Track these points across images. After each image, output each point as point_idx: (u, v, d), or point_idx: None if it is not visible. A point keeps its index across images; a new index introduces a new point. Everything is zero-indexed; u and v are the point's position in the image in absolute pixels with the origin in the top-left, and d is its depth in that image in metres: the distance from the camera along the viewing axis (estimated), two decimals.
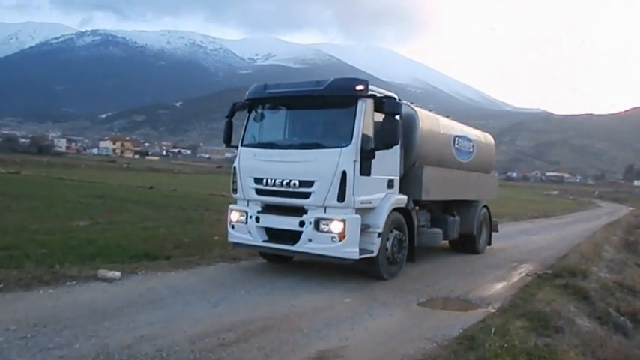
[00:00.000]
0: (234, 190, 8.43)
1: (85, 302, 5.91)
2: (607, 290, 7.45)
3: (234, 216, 8.43)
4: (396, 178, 8.43)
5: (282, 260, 8.99)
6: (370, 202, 7.74)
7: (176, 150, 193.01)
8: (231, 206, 8.59)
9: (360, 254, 7.40)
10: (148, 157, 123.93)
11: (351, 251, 7.32)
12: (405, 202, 8.53)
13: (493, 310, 6.49)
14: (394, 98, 7.60)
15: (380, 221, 7.81)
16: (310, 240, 7.46)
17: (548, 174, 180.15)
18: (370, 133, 7.64)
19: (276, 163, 7.85)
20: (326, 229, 7.36)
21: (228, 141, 8.91)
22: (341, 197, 7.27)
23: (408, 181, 8.91)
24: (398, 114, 7.50)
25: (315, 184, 7.44)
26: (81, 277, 7.02)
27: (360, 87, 7.48)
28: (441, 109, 12.17)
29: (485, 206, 12.29)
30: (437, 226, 10.03)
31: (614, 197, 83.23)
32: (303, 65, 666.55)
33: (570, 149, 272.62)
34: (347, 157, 7.32)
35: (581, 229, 22.79)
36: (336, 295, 6.99)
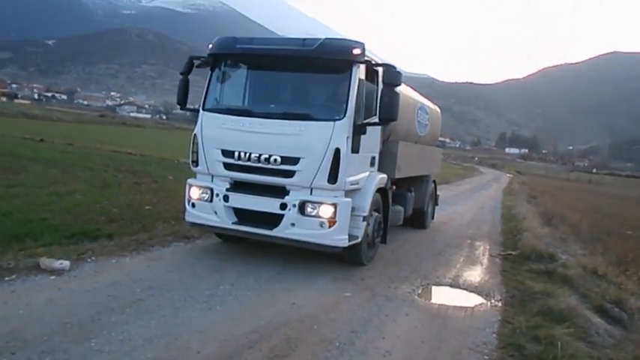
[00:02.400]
0: (195, 162, 7.14)
1: (43, 307, 4.60)
2: (584, 276, 7.60)
3: (194, 192, 7.17)
4: (377, 155, 7.74)
5: (239, 240, 7.86)
6: (357, 183, 6.96)
7: (49, 94, 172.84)
8: (190, 181, 7.30)
9: (348, 241, 6.69)
10: (17, 101, 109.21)
11: (340, 238, 6.54)
12: (385, 181, 7.91)
13: (499, 304, 6.22)
14: (393, 67, 6.69)
15: (365, 204, 7.10)
16: (293, 225, 6.51)
17: None
18: (361, 104, 6.80)
19: (252, 135, 6.62)
20: (313, 214, 6.46)
21: (183, 102, 7.54)
22: (332, 178, 6.38)
23: (381, 157, 8.21)
24: (398, 85, 6.65)
25: (302, 161, 6.44)
26: (19, 268, 5.56)
27: (356, 51, 6.50)
28: None
29: (434, 180, 12.18)
30: (397, 204, 9.57)
31: (491, 163, 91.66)
32: (192, 10, 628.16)
33: (451, 115, 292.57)
34: (340, 132, 6.40)
35: (486, 198, 24.37)
36: (331, 288, 6.25)
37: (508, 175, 61.68)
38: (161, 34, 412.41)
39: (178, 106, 7.68)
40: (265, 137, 6.58)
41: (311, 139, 6.44)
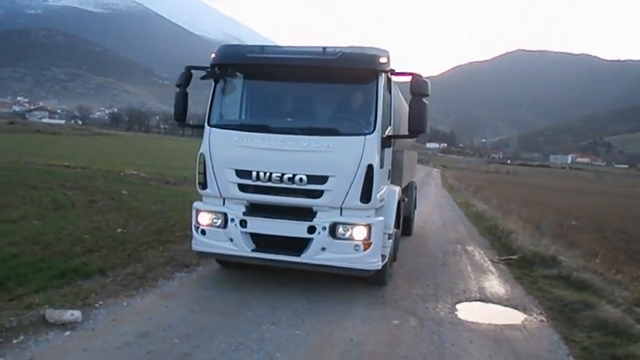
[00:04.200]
0: (202, 185, 6.38)
1: None
2: (599, 281, 7.69)
3: (203, 218, 6.39)
4: (390, 167, 7.38)
5: (240, 265, 7.10)
6: (383, 200, 6.56)
7: None
8: (197, 205, 6.51)
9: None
10: None
11: (374, 261, 6.09)
12: (401, 194, 7.57)
13: (544, 319, 6.07)
14: (420, 76, 6.27)
15: (391, 221, 6.72)
16: (324, 249, 5.94)
17: None
18: (387, 115, 6.41)
19: (272, 152, 5.97)
20: (346, 236, 5.94)
21: (182, 117, 6.75)
22: (365, 197, 5.89)
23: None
24: (427, 95, 6.26)
25: (331, 179, 5.89)
26: (24, 325, 4.63)
27: (383, 59, 6.08)
28: None
29: (415, 186, 12.05)
30: None
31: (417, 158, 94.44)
32: (105, 10, 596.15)
33: None
34: (371, 147, 5.94)
35: (435, 195, 24.92)
36: (375, 316, 5.78)
37: (435, 169, 64.22)
38: (70, 34, 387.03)
39: (177, 122, 6.86)
40: (288, 155, 5.97)
41: (341, 156, 5.93)
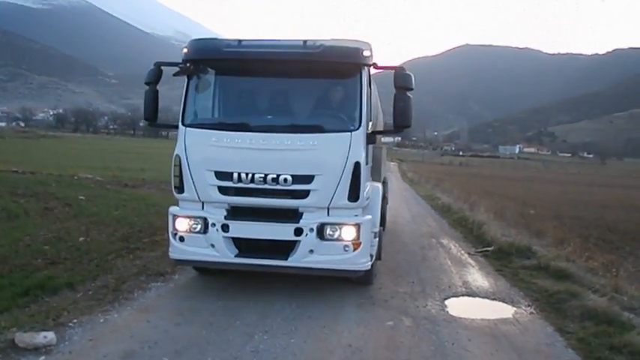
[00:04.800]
0: (179, 188, 5.99)
1: None
2: (578, 269, 7.80)
3: (181, 224, 6.02)
4: (371, 164, 7.22)
5: (218, 271, 6.82)
6: (368, 198, 6.39)
7: None
8: (173, 210, 6.11)
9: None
10: None
11: (364, 261, 5.93)
12: (383, 191, 7.43)
13: (533, 311, 6.08)
14: (403, 69, 6.06)
15: (377, 219, 6.57)
16: (312, 252, 5.72)
17: None
18: (370, 111, 6.23)
19: (254, 152, 5.68)
20: (335, 237, 5.74)
21: (153, 116, 6.30)
22: (353, 195, 5.70)
23: None
24: (411, 89, 6.02)
25: (317, 179, 5.66)
26: None
27: (367, 53, 5.88)
28: None
29: (386, 181, 11.97)
30: None
31: None
32: (45, 5, 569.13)
33: None
34: (358, 144, 5.74)
35: (398, 189, 25.14)
36: (368, 318, 5.60)
37: (392, 163, 64.97)
38: (8, 31, 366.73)
39: (146, 122, 6.41)
40: (271, 154, 5.69)
41: (327, 154, 5.70)
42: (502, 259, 8.66)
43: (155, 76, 6.17)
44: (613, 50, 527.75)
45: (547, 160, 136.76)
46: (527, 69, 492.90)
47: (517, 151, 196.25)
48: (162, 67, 6.24)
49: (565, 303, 6.14)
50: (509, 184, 42.19)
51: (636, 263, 9.99)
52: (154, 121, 6.35)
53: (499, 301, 6.51)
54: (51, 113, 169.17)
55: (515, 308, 6.19)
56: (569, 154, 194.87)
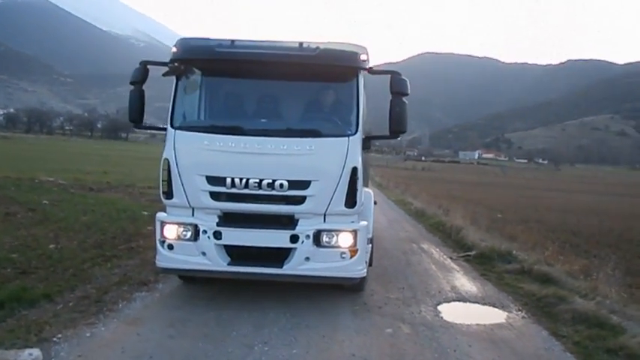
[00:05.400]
0: (167, 194, 5.73)
1: None
2: (560, 274, 7.96)
3: (170, 231, 5.77)
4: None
5: (205, 280, 6.57)
6: (362, 203, 6.31)
7: None
8: (161, 217, 5.86)
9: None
10: None
11: (361, 269, 5.85)
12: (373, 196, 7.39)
13: (524, 315, 6.15)
14: (399, 74, 5.95)
15: (370, 225, 6.54)
16: (308, 259, 5.59)
17: None
18: (365, 115, 6.17)
19: (248, 156, 5.50)
20: (332, 244, 5.62)
21: (139, 118, 6.02)
22: (351, 202, 5.61)
23: None
24: (407, 94, 5.93)
25: (314, 184, 5.53)
26: None
27: (363, 57, 5.82)
28: None
29: None
30: None
31: None
32: None
33: None
34: (355, 149, 5.65)
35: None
36: (366, 325, 5.51)
37: None
38: None
39: (132, 123, 6.12)
40: (266, 159, 5.53)
41: (324, 159, 5.60)
42: (485, 264, 8.76)
43: (141, 76, 5.90)
44: (566, 61, 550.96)
45: (505, 165, 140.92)
46: (485, 77, 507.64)
47: (477, 156, 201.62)
48: (149, 67, 5.99)
49: (554, 307, 6.24)
50: (473, 188, 43.20)
51: (608, 267, 10.28)
52: (140, 122, 6.06)
53: (489, 305, 6.56)
54: (1, 113, 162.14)
55: (506, 313, 6.24)
56: (525, 160, 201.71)
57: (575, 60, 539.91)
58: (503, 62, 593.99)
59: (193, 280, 6.65)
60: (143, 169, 29.93)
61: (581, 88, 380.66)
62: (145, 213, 12.72)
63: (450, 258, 9.40)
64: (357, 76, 5.85)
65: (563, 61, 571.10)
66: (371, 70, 6.04)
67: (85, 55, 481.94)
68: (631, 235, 17.16)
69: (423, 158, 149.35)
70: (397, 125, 5.90)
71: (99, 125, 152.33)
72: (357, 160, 5.65)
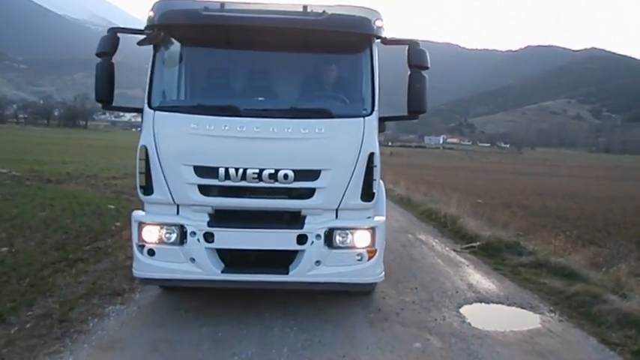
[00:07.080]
0: (146, 188, 4.71)
1: None
2: (580, 266, 7.32)
3: (151, 234, 4.73)
4: None
5: (189, 288, 5.57)
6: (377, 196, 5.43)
7: None
8: (137, 216, 4.80)
9: None
10: None
11: (379, 272, 5.01)
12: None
13: (558, 317, 5.45)
14: (418, 44, 5.04)
15: (383, 219, 5.68)
16: (319, 263, 4.69)
17: None
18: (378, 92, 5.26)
19: (246, 142, 4.52)
20: (346, 244, 4.74)
21: (108, 96, 4.87)
22: (367, 194, 4.73)
23: None
24: (427, 68, 5.04)
25: (324, 174, 4.61)
26: None
27: (379, 22, 4.89)
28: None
29: None
30: None
31: None
32: None
33: None
34: (371, 131, 4.75)
35: None
36: (388, 339, 4.70)
37: None
38: None
39: (100, 104, 5.01)
40: (268, 144, 4.56)
41: (336, 144, 4.67)
42: (494, 256, 8.08)
43: (110, 46, 4.77)
44: (525, 47, 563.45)
45: (469, 149, 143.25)
46: (447, 63, 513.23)
47: (441, 141, 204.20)
48: (119, 35, 4.88)
49: (591, 307, 5.57)
50: (444, 173, 43.12)
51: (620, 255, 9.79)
52: (110, 102, 4.91)
53: (517, 306, 5.84)
54: None
55: (539, 315, 5.53)
56: (488, 144, 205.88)
57: (534, 46, 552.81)
58: (464, 48, 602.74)
59: (175, 288, 5.67)
60: (105, 157, 28.23)
61: (540, 73, 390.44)
62: (112, 207, 11.54)
63: (454, 250, 8.68)
64: (372, 46, 4.93)
65: (522, 47, 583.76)
66: (385, 40, 5.12)
67: (40, 40, 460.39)
68: (615, 218, 16.97)
69: (390, 143, 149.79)
70: (417, 104, 5.01)
71: (56, 113, 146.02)
72: (374, 144, 4.76)
